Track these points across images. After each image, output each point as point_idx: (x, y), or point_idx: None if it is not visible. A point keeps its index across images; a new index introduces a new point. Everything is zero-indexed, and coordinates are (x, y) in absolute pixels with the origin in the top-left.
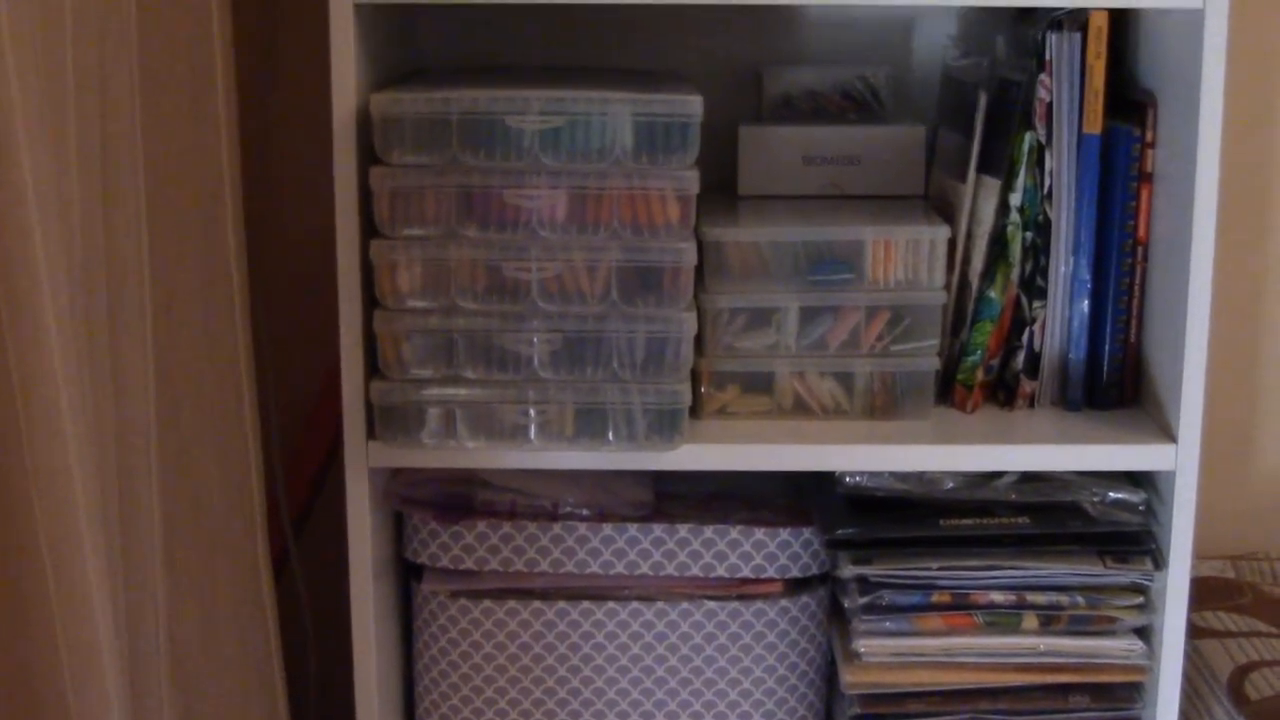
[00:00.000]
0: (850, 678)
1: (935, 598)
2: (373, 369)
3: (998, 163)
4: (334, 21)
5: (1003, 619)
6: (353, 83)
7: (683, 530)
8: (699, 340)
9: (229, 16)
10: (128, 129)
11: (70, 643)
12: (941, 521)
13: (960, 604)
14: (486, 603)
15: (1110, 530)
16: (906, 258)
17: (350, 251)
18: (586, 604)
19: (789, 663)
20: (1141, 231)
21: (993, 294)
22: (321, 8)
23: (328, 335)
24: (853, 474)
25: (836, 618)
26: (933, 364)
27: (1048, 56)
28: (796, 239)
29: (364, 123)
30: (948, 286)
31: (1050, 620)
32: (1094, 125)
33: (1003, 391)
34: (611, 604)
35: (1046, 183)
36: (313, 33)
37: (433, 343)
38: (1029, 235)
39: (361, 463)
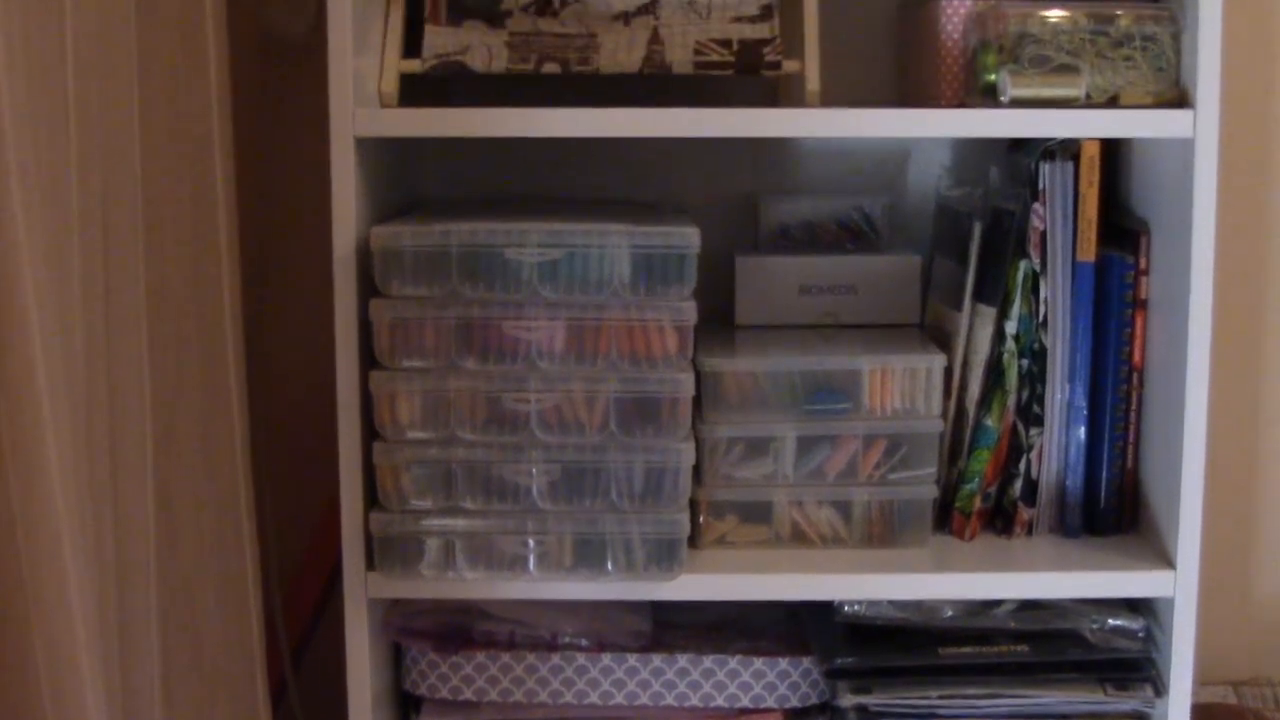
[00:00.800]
0: None
1: None
2: (372, 500)
3: (993, 291)
4: (335, 155)
5: None
6: (353, 215)
7: (682, 660)
8: (697, 470)
9: (230, 148)
10: (130, 259)
11: None
12: (941, 650)
13: None
14: None
15: (1110, 657)
16: (903, 386)
17: (350, 383)
18: None
19: None
20: (1137, 358)
21: (989, 422)
22: (323, 141)
23: (327, 466)
24: (851, 603)
25: None
26: (930, 492)
27: (1041, 186)
28: (794, 369)
29: (364, 255)
30: (944, 414)
31: None
32: (1088, 253)
33: (1001, 519)
34: None
35: (1042, 310)
36: (314, 165)
37: (432, 474)
38: (1025, 363)
39: (361, 594)
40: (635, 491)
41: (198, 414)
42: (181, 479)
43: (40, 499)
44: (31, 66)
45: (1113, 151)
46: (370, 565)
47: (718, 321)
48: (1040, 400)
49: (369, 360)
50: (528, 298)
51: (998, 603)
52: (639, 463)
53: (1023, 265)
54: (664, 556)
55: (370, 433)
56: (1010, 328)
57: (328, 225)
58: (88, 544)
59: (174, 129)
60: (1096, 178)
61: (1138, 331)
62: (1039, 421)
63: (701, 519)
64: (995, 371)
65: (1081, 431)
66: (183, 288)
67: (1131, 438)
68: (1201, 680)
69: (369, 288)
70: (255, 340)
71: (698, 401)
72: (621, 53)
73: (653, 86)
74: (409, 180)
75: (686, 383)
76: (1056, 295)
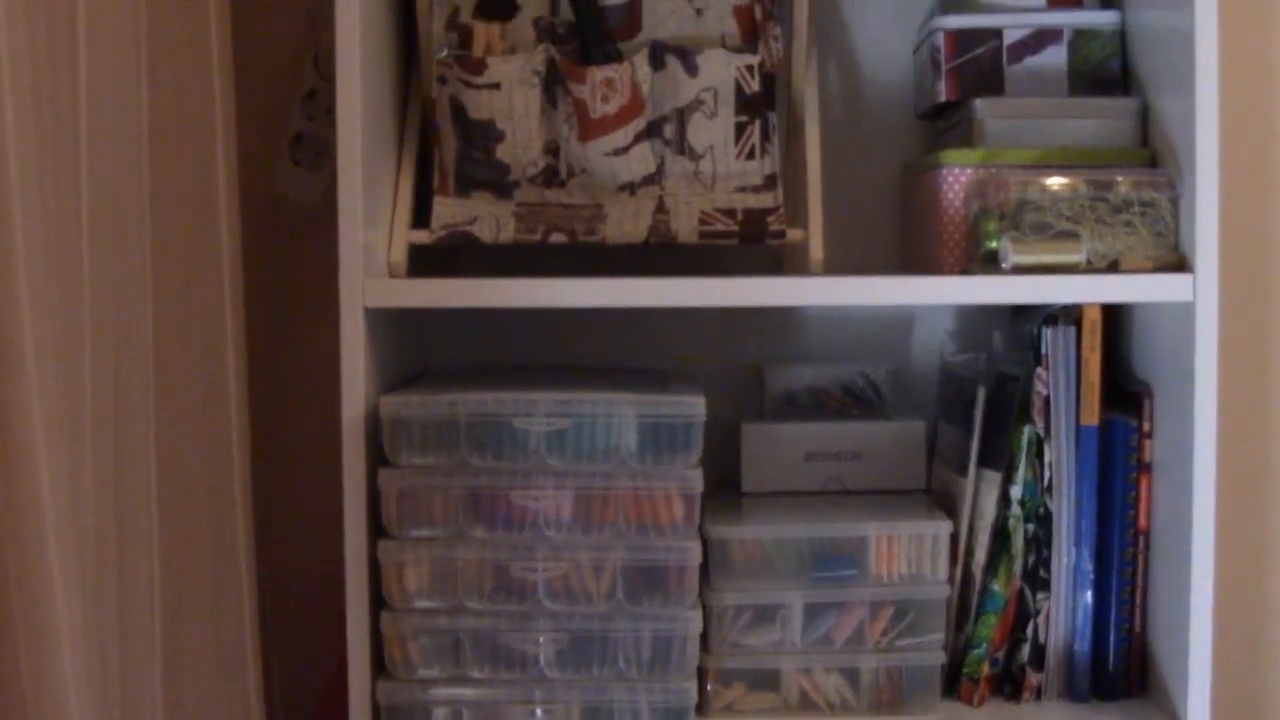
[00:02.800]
0: None
1: None
2: (379, 668)
3: (998, 456)
4: (345, 326)
5: None
6: (362, 385)
7: None
8: (704, 637)
9: (241, 315)
10: (142, 430)
11: None
12: None
13: None
14: None
15: None
16: (910, 553)
17: (357, 552)
18: None
19: None
20: (1142, 521)
21: (996, 587)
22: (333, 312)
23: (334, 634)
24: None
25: None
26: (938, 658)
27: (1044, 351)
28: (800, 536)
29: (373, 424)
30: (951, 580)
31: None
32: (1091, 417)
33: (1009, 684)
34: None
35: (1047, 475)
36: (324, 333)
37: (439, 643)
38: (1031, 527)
39: None
40: (643, 660)
41: (206, 583)
42: (190, 646)
43: (50, 678)
44: (49, 239)
45: (1114, 315)
46: None
47: (724, 488)
48: (1046, 564)
49: (377, 529)
50: (535, 467)
51: None
52: (646, 631)
53: (1027, 430)
54: None
55: (378, 601)
56: (1015, 492)
57: (337, 393)
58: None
59: (186, 296)
60: (1098, 342)
61: (1143, 494)
62: (1046, 586)
63: (709, 687)
64: (1001, 536)
65: (1089, 595)
66: (192, 457)
67: (1139, 601)
68: None
69: (377, 457)
70: (264, 507)
71: (705, 569)
72: (628, 223)
73: (659, 254)
74: (418, 348)
75: (693, 551)
76: (1061, 459)
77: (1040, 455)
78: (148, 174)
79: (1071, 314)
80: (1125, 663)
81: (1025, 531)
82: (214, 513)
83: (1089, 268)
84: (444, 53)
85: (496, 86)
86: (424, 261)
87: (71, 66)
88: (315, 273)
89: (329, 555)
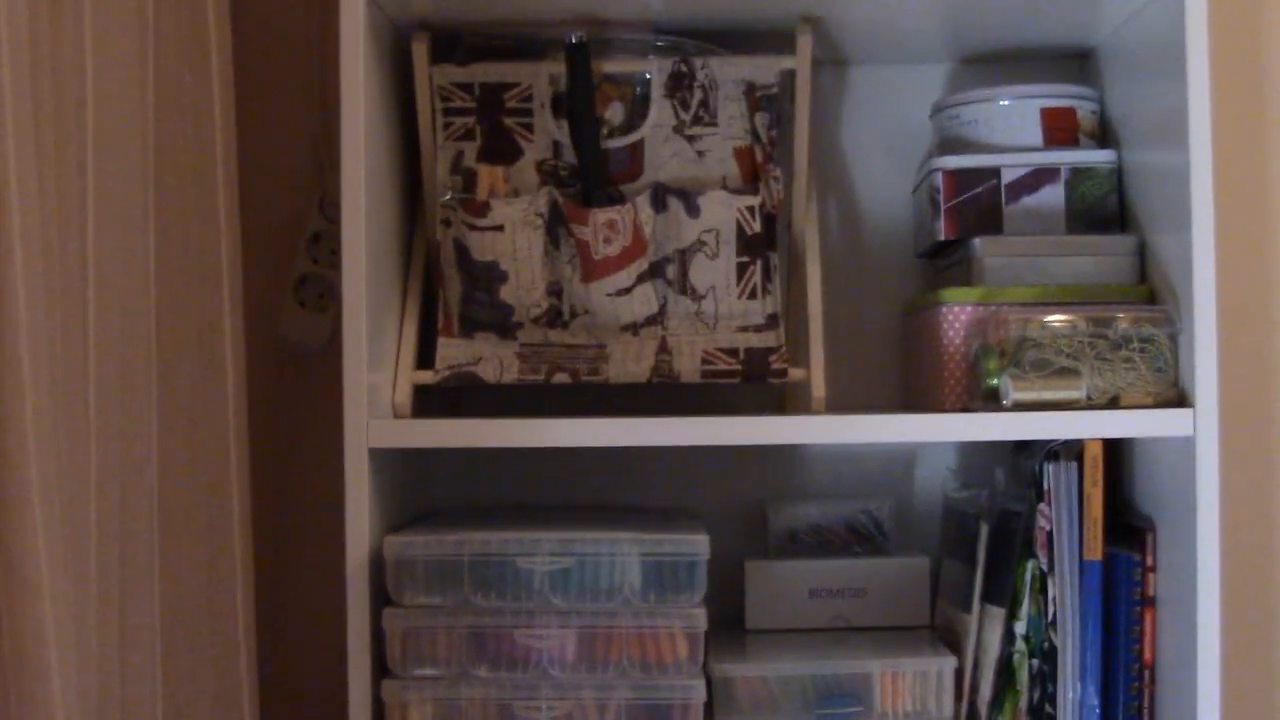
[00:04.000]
0: None
1: None
2: None
3: (1002, 592)
4: (349, 466)
5: None
6: (366, 525)
7: None
8: None
9: (246, 457)
10: (145, 574)
11: None
12: None
13: None
14: None
15: None
16: (915, 689)
17: (361, 692)
18: None
19: None
20: (1147, 655)
21: None
22: (337, 452)
23: None
24: None
25: None
26: None
27: (1046, 486)
28: (805, 673)
29: (377, 564)
30: (956, 716)
31: None
32: (1094, 552)
33: None
34: None
35: (1051, 610)
36: (328, 472)
37: None
38: (1035, 663)
39: None
40: None
41: None
42: None
43: None
44: (55, 383)
45: (1116, 450)
46: None
47: (728, 626)
48: (1052, 700)
49: (381, 669)
50: (539, 606)
51: None
52: None
53: (1030, 565)
54: None
55: None
56: (1020, 628)
57: (341, 533)
58: None
59: (191, 436)
60: (1100, 477)
61: (1147, 629)
62: None
63: None
64: (1006, 672)
65: None
66: (196, 598)
67: None
68: None
69: (381, 596)
70: (268, 646)
71: (710, 707)
72: (630, 363)
73: (661, 391)
74: (422, 487)
75: (698, 689)
76: (1065, 595)
77: (1044, 590)
78: (154, 315)
79: (1073, 449)
80: None
81: (1030, 667)
82: (217, 655)
83: (1089, 404)
84: (448, 196)
85: (500, 228)
86: (428, 400)
87: (80, 211)
88: (320, 413)
89: (333, 695)
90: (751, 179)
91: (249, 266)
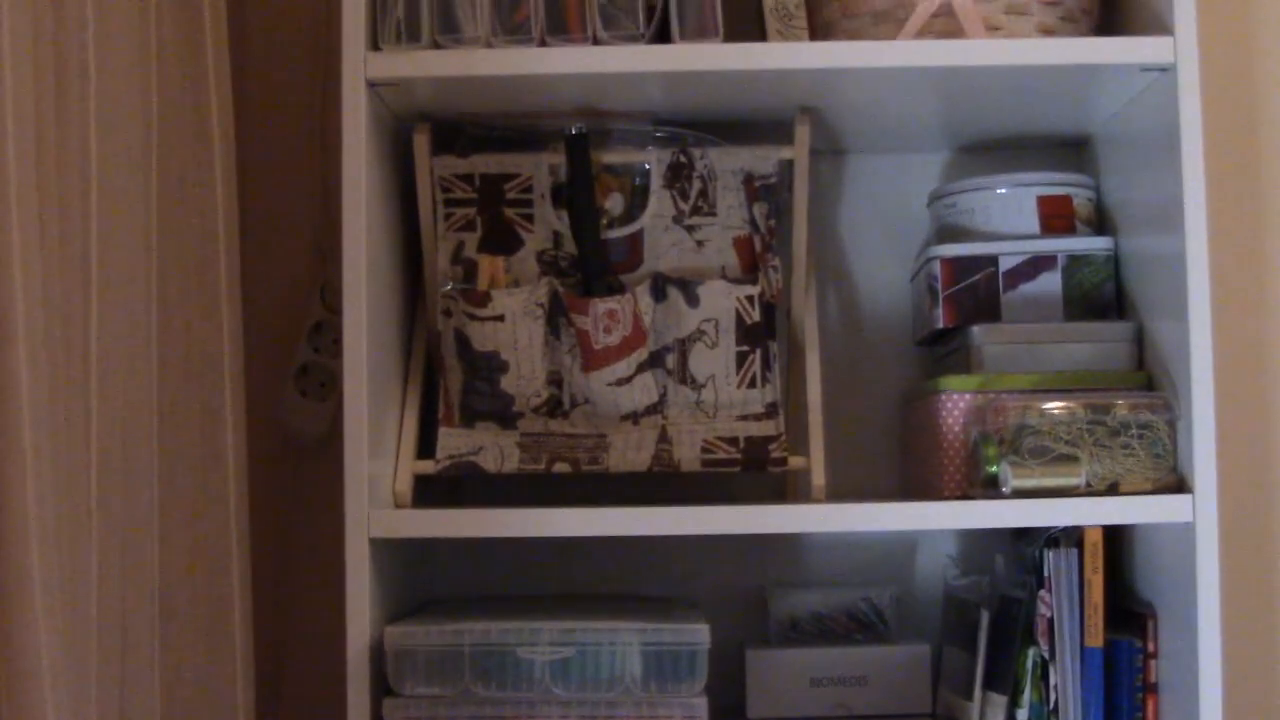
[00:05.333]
0: None
1: None
2: None
3: (1003, 679)
4: (350, 556)
5: None
6: (367, 615)
7: None
8: None
9: (247, 546)
10: (146, 665)
11: None
12: None
13: None
14: None
15: None
16: None
17: None
18: None
19: None
20: None
21: None
22: (338, 541)
23: None
24: None
25: None
26: None
27: (1046, 573)
28: None
29: (378, 654)
30: None
31: None
32: (1095, 639)
33: None
34: None
35: (1053, 698)
36: (329, 561)
37: None
38: None
39: None
40: None
41: None
42: None
43: None
44: (59, 478)
45: (1116, 536)
46: None
47: (730, 715)
48: None
49: None
50: (540, 696)
51: None
52: None
53: (1032, 652)
54: None
55: None
56: (1021, 715)
57: (341, 622)
58: None
59: (191, 526)
60: (1100, 564)
61: (1149, 715)
62: None
63: None
64: None
65: None
66: (196, 687)
67: None
68: None
69: (382, 686)
70: None
71: None
72: (631, 452)
73: (662, 479)
74: (422, 576)
75: None
76: (1066, 682)
77: (1045, 678)
78: (156, 404)
79: (1073, 536)
80: None
81: None
82: None
83: (1089, 490)
84: (449, 286)
85: (501, 319)
86: (429, 487)
87: (83, 302)
88: (320, 502)
89: None
90: (750, 268)
91: (250, 356)
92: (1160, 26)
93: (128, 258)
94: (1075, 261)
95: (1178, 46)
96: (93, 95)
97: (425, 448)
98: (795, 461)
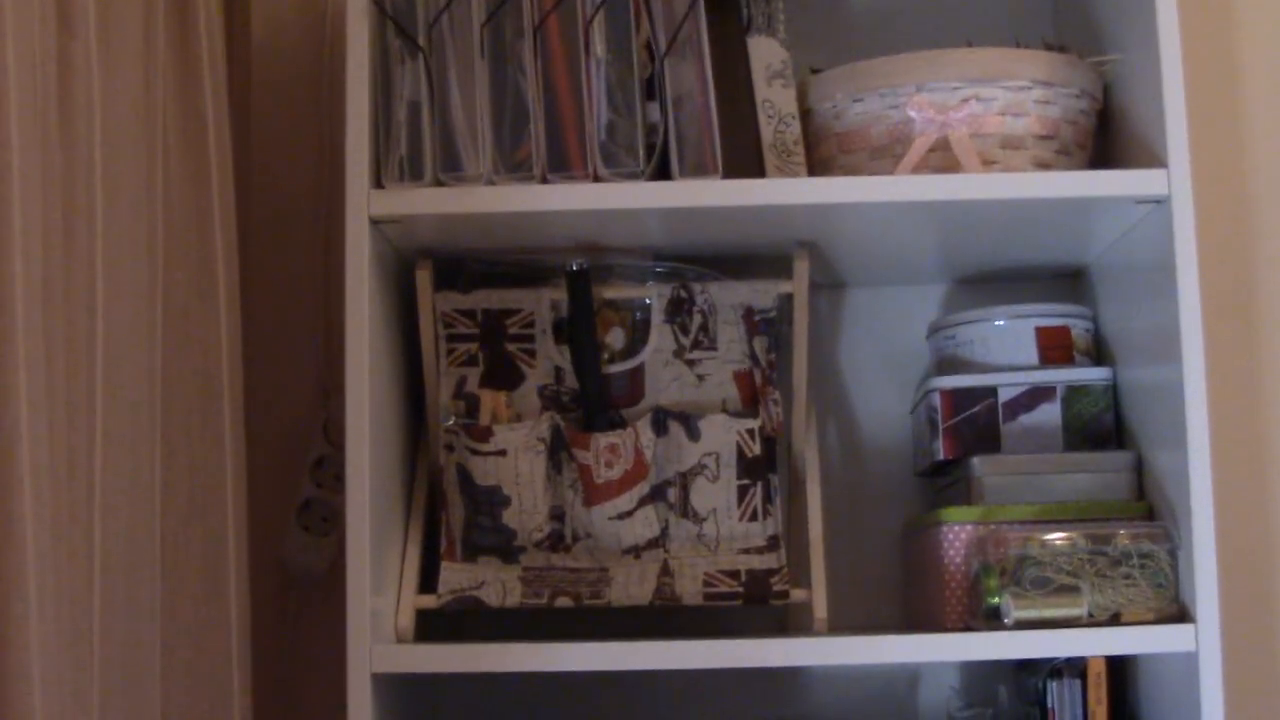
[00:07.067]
0: None
1: None
2: None
3: None
4: (352, 692)
5: None
6: None
7: None
8: None
9: (248, 682)
10: None
11: None
12: None
13: None
14: None
15: None
16: None
17: None
18: None
19: None
20: None
21: None
22: (340, 677)
23: None
24: None
25: None
26: None
27: (1050, 705)
28: None
29: None
30: None
31: None
32: None
33: None
34: None
35: None
36: (331, 697)
37: None
38: None
39: None
40: None
41: None
42: None
43: None
44: (60, 610)
45: (1119, 665)
46: None
47: None
48: None
49: None
50: None
51: None
52: None
53: None
54: None
55: None
56: None
57: None
58: None
59: (193, 666)
60: (1104, 695)
61: None
62: None
63: None
64: None
65: None
66: None
67: None
68: None
69: None
70: None
71: None
72: (633, 585)
73: (664, 612)
74: (425, 710)
75: None
76: None
77: None
78: (159, 538)
79: (1076, 666)
80: None
81: None
82: None
83: (1091, 621)
84: (451, 421)
85: (503, 453)
86: (431, 620)
87: (88, 434)
88: (323, 637)
89: None
90: (751, 402)
91: (253, 490)
92: (1154, 159)
93: (132, 393)
94: (1074, 392)
95: (1171, 179)
96: (99, 234)
97: (427, 581)
98: (797, 594)
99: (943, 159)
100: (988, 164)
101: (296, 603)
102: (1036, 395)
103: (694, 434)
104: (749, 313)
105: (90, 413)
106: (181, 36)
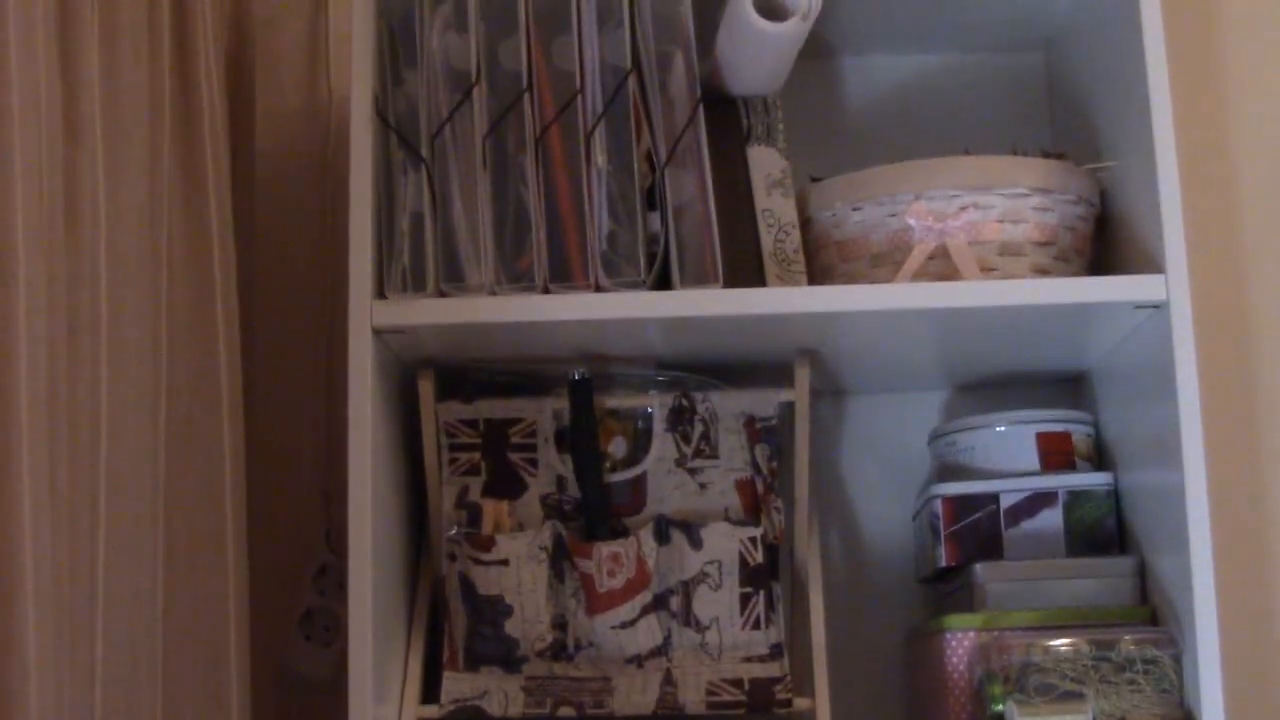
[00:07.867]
0: None
1: None
2: None
3: None
4: None
5: None
6: None
7: None
8: None
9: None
10: None
11: None
12: None
13: None
14: None
15: None
16: None
17: None
18: None
19: None
20: None
21: None
22: None
23: None
24: None
25: None
26: None
27: None
28: None
29: None
30: None
31: None
32: None
33: None
34: None
35: None
36: None
37: None
38: None
39: None
40: None
41: None
42: None
43: None
44: (60, 708)
45: None
46: None
47: None
48: None
49: None
50: None
51: None
52: None
53: None
54: None
55: None
56: None
57: None
58: None
59: None
60: None
61: None
62: None
63: None
64: None
65: None
66: None
67: None
68: None
69: None
70: None
71: None
72: (636, 695)
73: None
74: None
75: None
76: None
77: None
78: (160, 648)
79: None
80: None
81: None
82: None
83: None
84: (453, 530)
85: (505, 563)
86: None
87: (90, 542)
88: None
89: None
90: (753, 510)
91: (255, 599)
92: (1152, 265)
93: (136, 504)
94: (1076, 497)
95: (1169, 284)
96: (104, 343)
97: (430, 691)
98: (800, 703)
99: (942, 266)
100: (987, 271)
101: (298, 713)
102: (1038, 501)
103: (696, 542)
104: (750, 421)
105: (93, 525)
106: (186, 146)
